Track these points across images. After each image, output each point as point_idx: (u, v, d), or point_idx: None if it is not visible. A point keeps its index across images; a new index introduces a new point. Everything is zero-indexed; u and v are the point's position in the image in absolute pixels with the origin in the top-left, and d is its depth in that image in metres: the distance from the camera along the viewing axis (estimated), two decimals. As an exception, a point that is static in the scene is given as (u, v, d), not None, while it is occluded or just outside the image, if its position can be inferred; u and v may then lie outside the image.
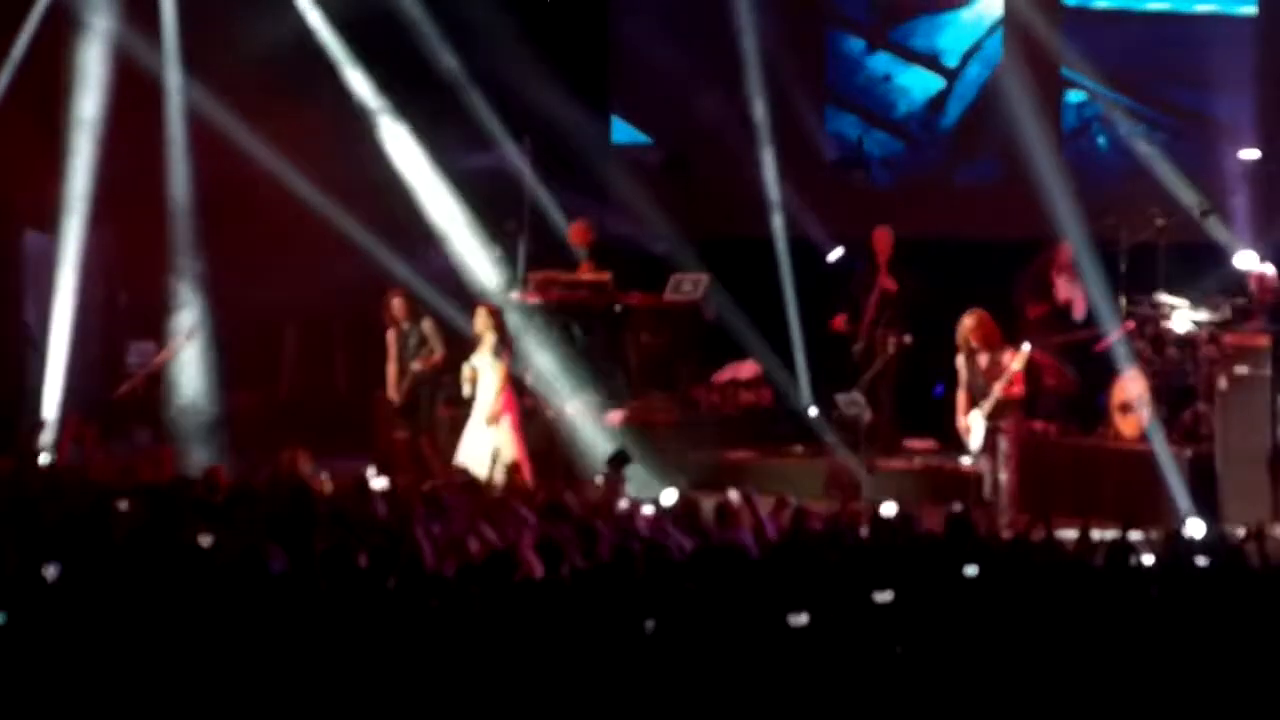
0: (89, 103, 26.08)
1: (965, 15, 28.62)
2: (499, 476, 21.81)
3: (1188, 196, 24.90)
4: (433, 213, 26.95)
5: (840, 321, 25.35)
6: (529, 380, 24.88)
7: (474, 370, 23.28)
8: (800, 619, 13.01)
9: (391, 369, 24.81)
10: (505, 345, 23.39)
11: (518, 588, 14.18)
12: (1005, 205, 27.35)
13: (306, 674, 11.97)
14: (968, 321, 22.19)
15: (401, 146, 26.94)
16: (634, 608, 13.25)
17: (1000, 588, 14.56)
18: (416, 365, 24.40)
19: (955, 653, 12.47)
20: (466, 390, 23.33)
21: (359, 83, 26.96)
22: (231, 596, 14.06)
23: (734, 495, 18.97)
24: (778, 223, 27.07)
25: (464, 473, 21.64)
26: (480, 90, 26.81)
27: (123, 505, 18.02)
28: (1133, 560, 16.06)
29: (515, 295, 25.89)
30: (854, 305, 25.29)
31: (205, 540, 16.21)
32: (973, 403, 22.02)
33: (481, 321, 23.48)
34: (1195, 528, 19.32)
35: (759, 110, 27.38)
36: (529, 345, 25.28)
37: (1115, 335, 23.30)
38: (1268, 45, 27.11)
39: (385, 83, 26.81)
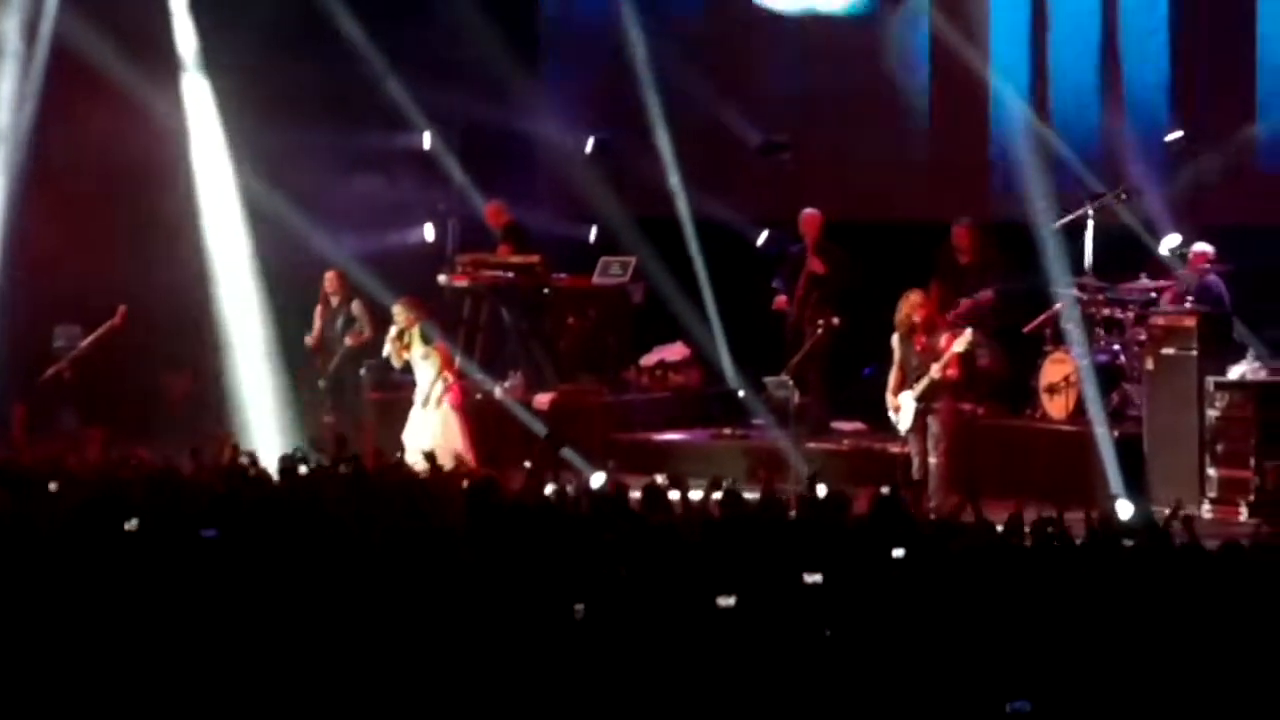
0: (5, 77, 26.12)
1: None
2: (445, 461, 21.84)
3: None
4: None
5: (784, 302, 25.43)
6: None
7: (400, 345, 23.47)
8: (728, 601, 13.12)
9: (312, 340, 25.35)
10: (435, 331, 23.53)
11: (452, 570, 14.27)
12: (930, 187, 27.46)
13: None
14: (912, 298, 22.23)
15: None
16: (563, 592, 13.34)
17: (928, 570, 14.64)
18: (348, 341, 24.56)
19: (883, 636, 12.54)
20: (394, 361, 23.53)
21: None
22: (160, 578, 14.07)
23: (660, 478, 19.12)
24: (683, 206, 27.09)
25: (399, 457, 21.77)
26: (410, 73, 26.73)
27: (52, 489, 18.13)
28: (1061, 541, 16.19)
29: (444, 278, 25.96)
30: (790, 288, 25.31)
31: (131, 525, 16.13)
32: (905, 383, 22.13)
33: (403, 315, 23.55)
34: (1123, 508, 19.53)
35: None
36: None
37: (1043, 318, 23.49)
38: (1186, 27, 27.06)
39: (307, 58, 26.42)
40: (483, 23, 26.87)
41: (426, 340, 23.44)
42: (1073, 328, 23.07)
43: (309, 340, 25.20)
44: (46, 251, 25.94)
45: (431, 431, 23.04)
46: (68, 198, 26.28)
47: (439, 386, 23.37)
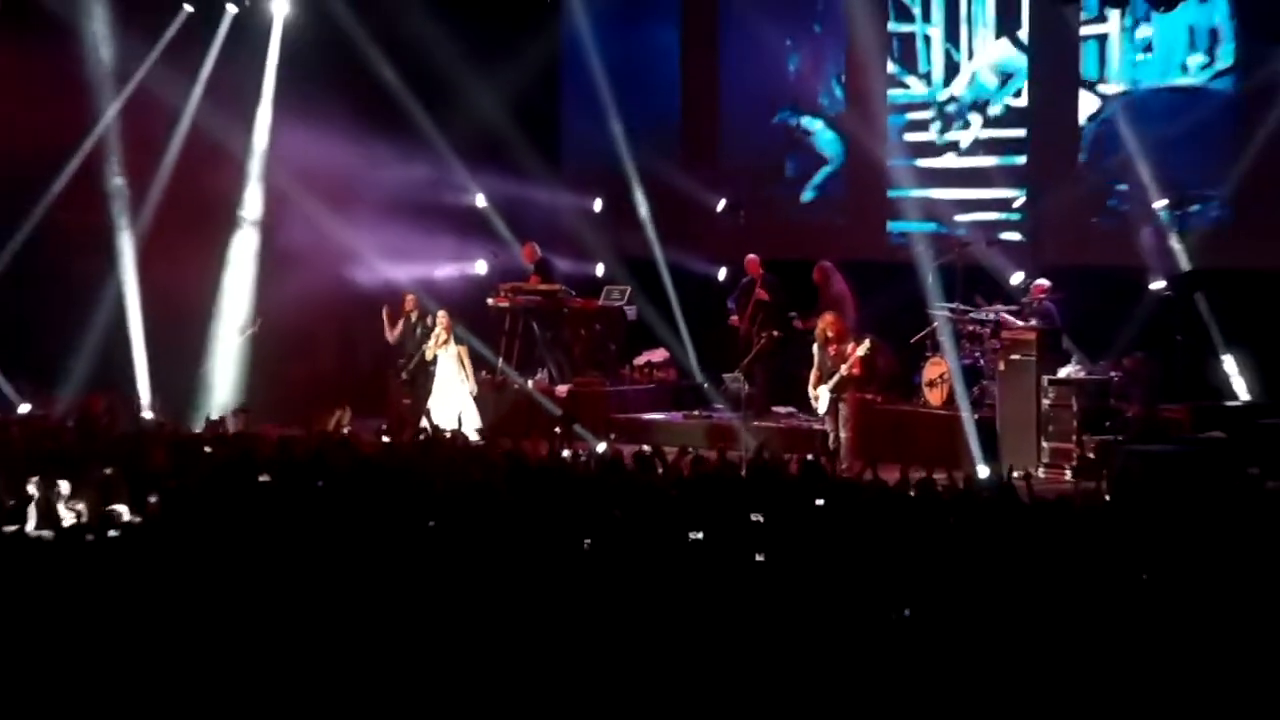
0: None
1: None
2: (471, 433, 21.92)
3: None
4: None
5: (736, 320, 25.41)
6: (499, 364, 24.91)
7: (438, 342, 23.85)
8: (697, 535, 13.61)
9: (393, 339, 25.21)
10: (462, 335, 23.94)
11: (494, 513, 14.35)
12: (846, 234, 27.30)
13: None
14: (827, 317, 22.63)
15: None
16: (575, 529, 13.66)
17: (840, 513, 14.98)
18: (428, 349, 24.37)
19: (807, 560, 12.87)
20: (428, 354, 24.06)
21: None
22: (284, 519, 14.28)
23: (646, 448, 19.32)
24: (658, 252, 27.18)
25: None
26: (466, 153, 26.80)
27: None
28: (936, 494, 16.31)
29: (491, 300, 26.07)
30: (741, 310, 25.33)
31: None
32: (822, 379, 22.25)
33: (444, 322, 23.84)
34: (981, 471, 19.68)
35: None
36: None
37: (925, 331, 23.60)
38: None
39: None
40: (519, 125, 26.91)
41: (457, 341, 23.93)
42: (945, 339, 23.19)
43: (390, 338, 25.07)
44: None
45: (458, 409, 23.25)
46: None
47: (466, 374, 23.72)
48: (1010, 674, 9.88)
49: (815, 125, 28.12)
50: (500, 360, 25.49)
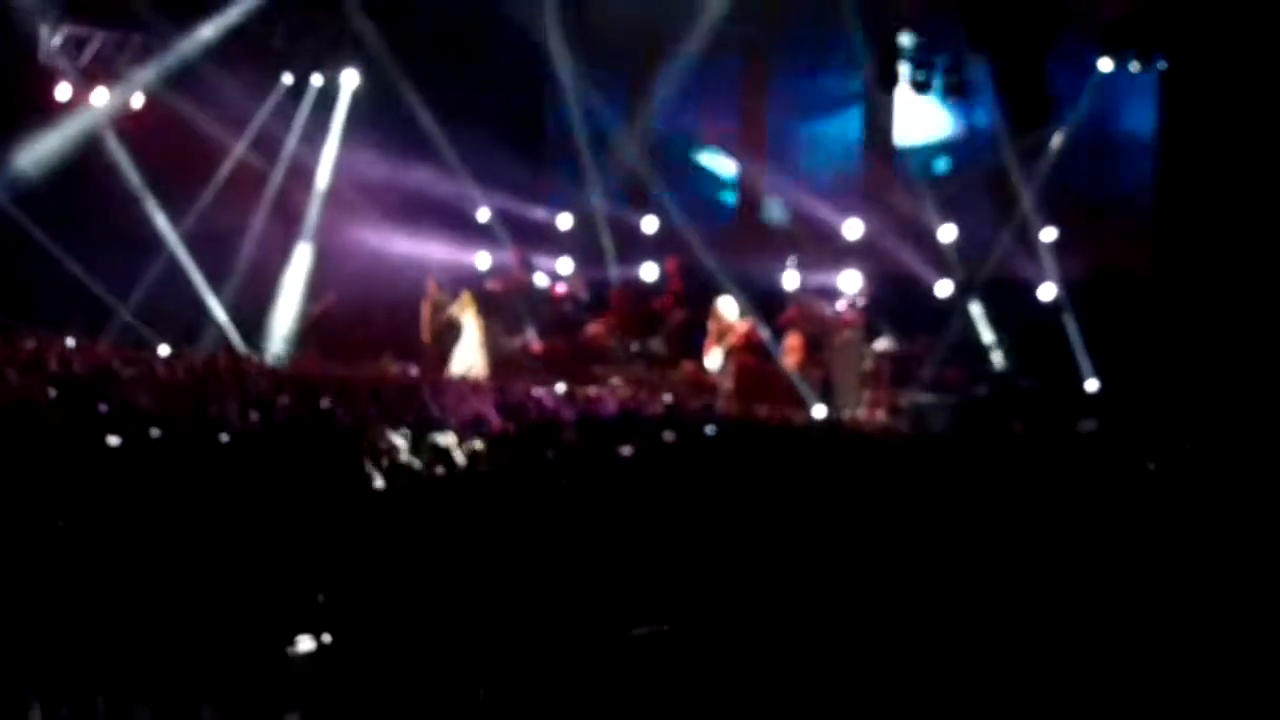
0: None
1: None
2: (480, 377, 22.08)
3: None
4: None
5: (660, 303, 25.19)
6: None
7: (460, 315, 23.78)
8: (626, 450, 13.53)
9: (426, 318, 24.87)
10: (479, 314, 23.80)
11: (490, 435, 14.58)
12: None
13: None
14: (718, 305, 22.90)
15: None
16: (542, 447, 13.38)
17: (726, 438, 15.27)
18: (443, 317, 24.42)
19: (701, 469, 12.75)
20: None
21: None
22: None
23: (593, 390, 19.55)
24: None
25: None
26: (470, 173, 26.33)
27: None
28: (790, 426, 16.71)
29: (489, 284, 25.61)
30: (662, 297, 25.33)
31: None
32: (715, 345, 22.57)
33: (467, 299, 23.85)
34: (820, 411, 20.05)
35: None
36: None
37: (784, 316, 23.62)
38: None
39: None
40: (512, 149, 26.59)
41: (469, 316, 23.84)
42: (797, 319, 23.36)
43: (426, 336, 24.90)
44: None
45: (474, 360, 23.37)
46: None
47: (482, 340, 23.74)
48: (840, 557, 9.50)
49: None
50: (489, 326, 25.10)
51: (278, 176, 25.87)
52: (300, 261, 26.23)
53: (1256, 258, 20.71)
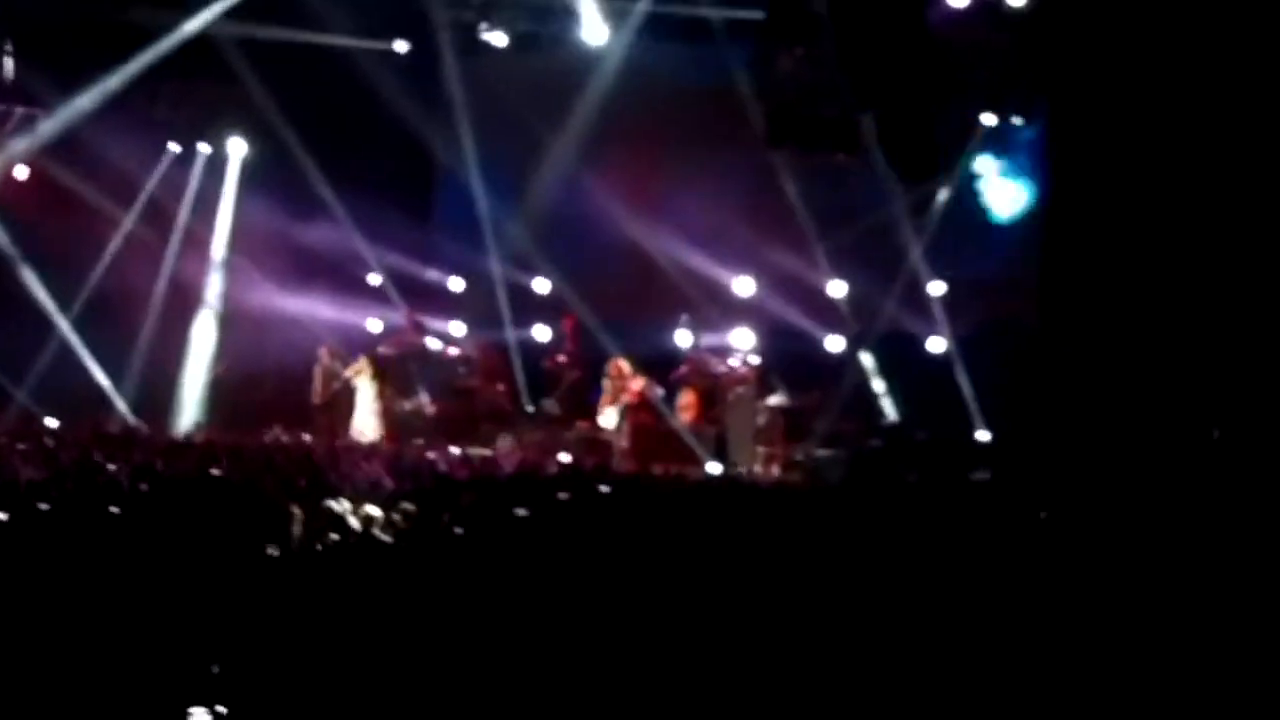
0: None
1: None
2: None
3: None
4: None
5: (552, 363, 25.22)
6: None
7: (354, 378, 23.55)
8: (522, 511, 13.34)
9: (318, 385, 24.75)
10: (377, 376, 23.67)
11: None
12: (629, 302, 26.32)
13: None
14: (616, 362, 22.87)
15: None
16: (438, 509, 13.31)
17: (620, 497, 15.26)
18: (335, 385, 24.41)
19: (595, 519, 13.13)
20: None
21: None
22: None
23: (487, 452, 19.57)
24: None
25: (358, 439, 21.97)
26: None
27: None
28: (685, 483, 16.75)
29: (381, 348, 25.47)
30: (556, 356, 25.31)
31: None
32: (610, 404, 22.62)
33: (365, 362, 23.71)
34: (714, 467, 20.14)
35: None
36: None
37: (677, 372, 23.74)
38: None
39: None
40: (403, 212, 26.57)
41: (367, 378, 23.65)
42: (695, 377, 23.44)
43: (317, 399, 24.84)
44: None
45: (372, 425, 23.22)
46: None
47: (377, 404, 23.60)
48: (739, 604, 9.43)
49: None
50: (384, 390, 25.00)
51: (172, 244, 25.68)
52: (202, 329, 26.06)
53: (1140, 307, 21.01)
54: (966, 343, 23.62)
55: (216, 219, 26.05)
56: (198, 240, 25.88)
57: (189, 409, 25.26)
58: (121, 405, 24.52)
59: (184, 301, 25.89)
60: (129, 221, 25.09)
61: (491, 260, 26.50)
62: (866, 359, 24.19)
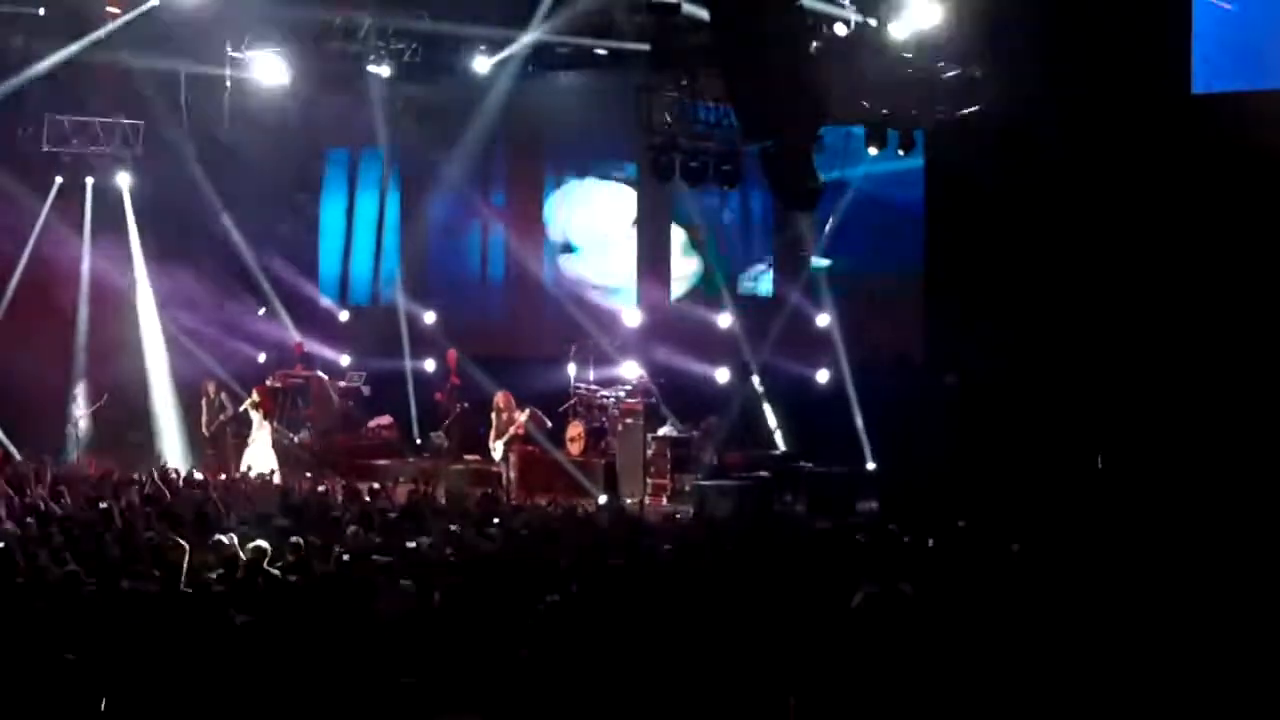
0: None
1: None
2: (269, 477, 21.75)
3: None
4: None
5: (441, 397, 25.27)
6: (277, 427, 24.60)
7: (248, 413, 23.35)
8: (420, 541, 13.76)
9: (204, 418, 24.48)
10: (267, 410, 23.45)
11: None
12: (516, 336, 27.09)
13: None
14: (499, 396, 22.74)
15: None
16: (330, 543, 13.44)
17: (509, 529, 15.30)
18: (222, 418, 24.16)
19: (483, 558, 13.13)
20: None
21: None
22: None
23: (375, 485, 19.46)
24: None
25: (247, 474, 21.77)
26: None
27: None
28: (575, 513, 16.78)
29: (268, 382, 25.12)
30: (444, 390, 25.33)
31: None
32: (498, 436, 22.56)
33: (257, 396, 23.48)
34: (602, 499, 20.17)
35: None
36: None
37: (566, 404, 23.78)
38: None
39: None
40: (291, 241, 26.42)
41: (261, 413, 23.45)
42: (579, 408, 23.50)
43: (205, 430, 24.63)
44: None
45: (265, 459, 23.00)
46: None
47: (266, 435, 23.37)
48: (630, 633, 9.74)
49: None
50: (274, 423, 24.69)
51: (46, 279, 24.89)
52: (79, 361, 25.50)
53: (1022, 335, 21.27)
54: (855, 373, 23.80)
55: (87, 251, 25.41)
56: (71, 273, 25.25)
57: (71, 441, 24.78)
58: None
59: (62, 336, 25.32)
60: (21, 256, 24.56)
61: (386, 288, 26.44)
62: (755, 390, 24.35)
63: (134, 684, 8.61)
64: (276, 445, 23.56)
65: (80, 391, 25.24)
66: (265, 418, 23.32)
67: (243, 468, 22.41)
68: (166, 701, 8.52)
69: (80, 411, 25.06)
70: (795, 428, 24.00)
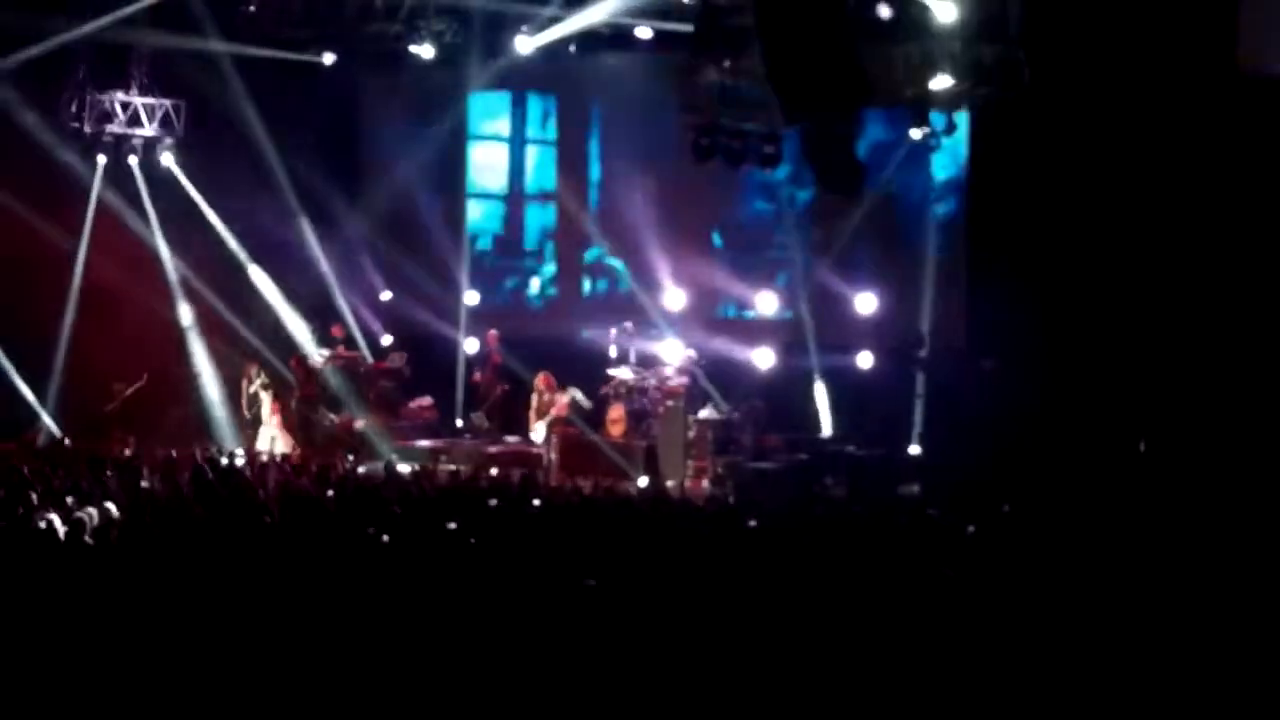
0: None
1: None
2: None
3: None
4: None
5: (479, 377, 25.26)
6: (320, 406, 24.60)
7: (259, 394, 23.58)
8: (452, 525, 13.59)
9: (244, 400, 24.56)
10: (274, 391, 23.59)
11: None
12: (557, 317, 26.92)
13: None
14: (540, 377, 22.70)
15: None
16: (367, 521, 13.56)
17: (552, 508, 15.34)
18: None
19: (527, 539, 12.95)
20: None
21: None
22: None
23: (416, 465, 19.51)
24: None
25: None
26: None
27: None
28: (619, 497, 16.77)
29: (311, 360, 25.32)
30: (483, 369, 25.34)
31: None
32: (539, 418, 22.57)
33: (261, 381, 23.61)
34: (643, 482, 20.08)
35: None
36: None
37: (607, 386, 23.52)
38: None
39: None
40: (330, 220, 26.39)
41: (269, 392, 23.61)
42: (623, 391, 23.37)
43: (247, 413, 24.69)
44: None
45: (275, 438, 23.12)
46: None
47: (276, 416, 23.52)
48: (667, 618, 9.64)
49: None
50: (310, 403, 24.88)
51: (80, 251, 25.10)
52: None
53: (1066, 322, 21.15)
54: (898, 357, 23.67)
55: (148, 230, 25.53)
56: (118, 249, 25.28)
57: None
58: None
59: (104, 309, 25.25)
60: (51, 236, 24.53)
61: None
62: (800, 372, 24.22)
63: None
64: (299, 424, 23.64)
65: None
66: (295, 396, 23.50)
67: (258, 446, 22.53)
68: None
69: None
70: (838, 410, 23.86)
